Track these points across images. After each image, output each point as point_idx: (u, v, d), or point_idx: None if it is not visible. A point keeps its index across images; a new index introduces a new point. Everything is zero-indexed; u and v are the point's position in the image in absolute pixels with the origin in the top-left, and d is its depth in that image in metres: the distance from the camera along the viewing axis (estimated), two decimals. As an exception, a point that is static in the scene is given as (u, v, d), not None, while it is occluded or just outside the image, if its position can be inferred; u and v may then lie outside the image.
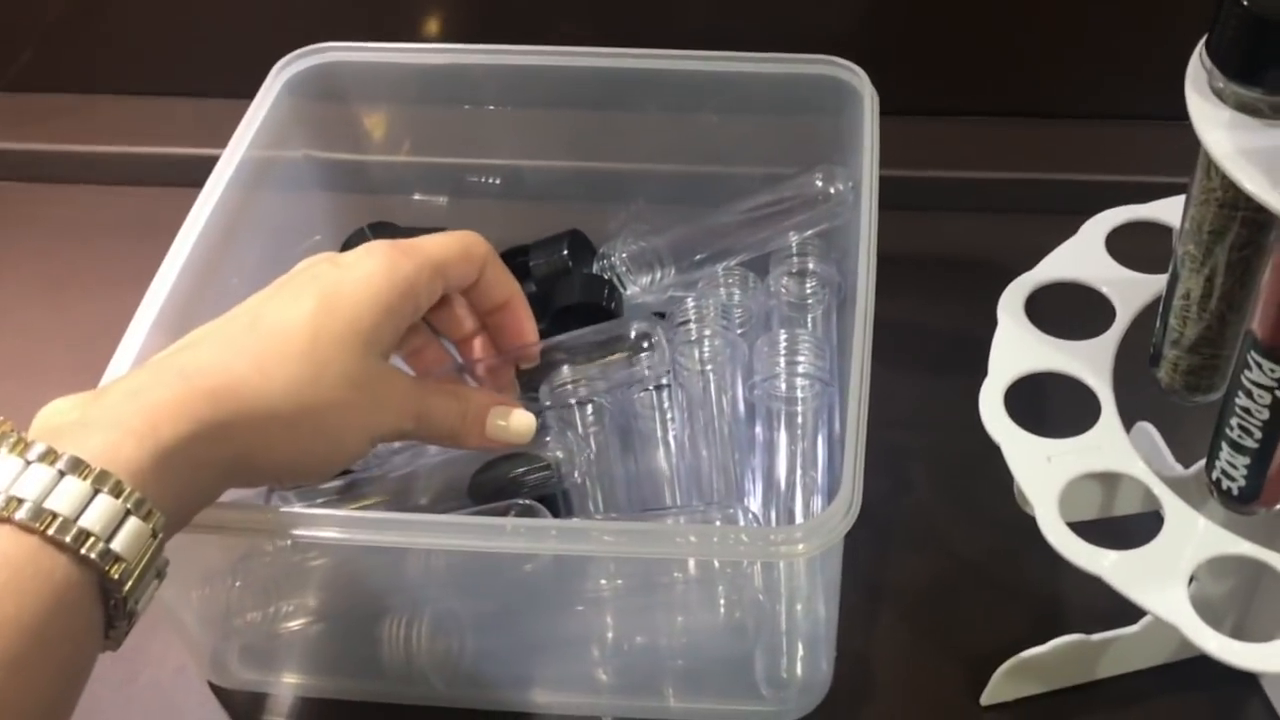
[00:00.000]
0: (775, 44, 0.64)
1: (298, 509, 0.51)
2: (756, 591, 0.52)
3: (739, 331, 0.64)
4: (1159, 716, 0.54)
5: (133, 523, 0.38)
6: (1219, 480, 0.44)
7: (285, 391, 0.43)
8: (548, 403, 0.59)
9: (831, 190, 0.62)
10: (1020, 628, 0.55)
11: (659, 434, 0.60)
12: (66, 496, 0.37)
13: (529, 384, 0.61)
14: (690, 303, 0.62)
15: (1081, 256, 0.52)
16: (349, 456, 0.46)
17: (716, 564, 0.52)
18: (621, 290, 0.67)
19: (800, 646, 0.54)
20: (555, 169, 0.72)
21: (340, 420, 0.45)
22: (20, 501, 0.36)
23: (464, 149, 0.72)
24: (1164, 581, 0.41)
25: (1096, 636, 0.51)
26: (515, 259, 0.69)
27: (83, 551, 0.36)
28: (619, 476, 0.59)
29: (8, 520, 0.36)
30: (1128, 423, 0.46)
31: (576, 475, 0.58)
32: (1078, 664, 0.53)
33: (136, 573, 0.38)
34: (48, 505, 0.36)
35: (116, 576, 0.37)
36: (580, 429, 0.59)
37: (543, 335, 0.66)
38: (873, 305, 0.52)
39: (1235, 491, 0.43)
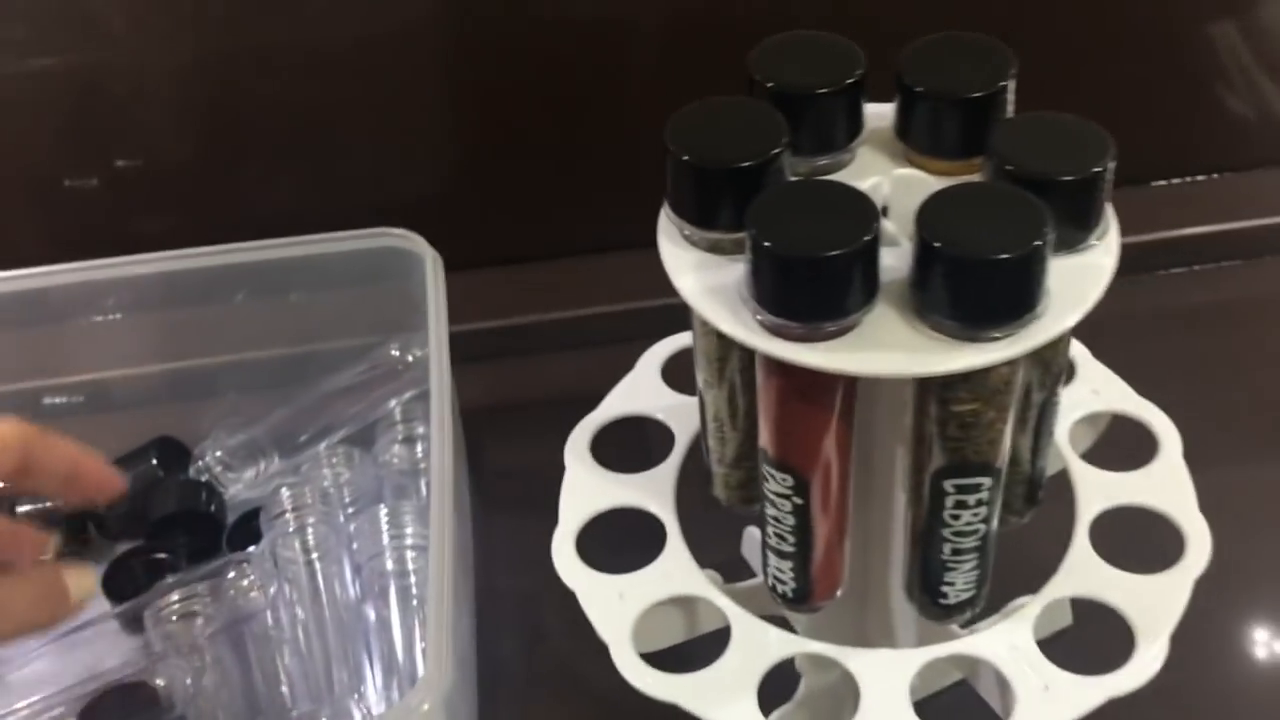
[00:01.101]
0: (355, 221, 0.64)
1: None
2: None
3: (350, 510, 0.63)
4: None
5: None
6: (773, 585, 0.45)
7: None
8: (155, 635, 0.57)
9: (409, 357, 0.63)
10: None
11: (273, 635, 0.58)
12: None
13: (133, 616, 0.59)
14: (285, 491, 0.61)
15: (639, 389, 0.53)
16: None
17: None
18: (222, 490, 0.65)
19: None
20: (142, 375, 0.69)
21: None
22: None
23: (40, 370, 0.69)
24: (735, 695, 0.42)
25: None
26: (105, 478, 0.66)
27: None
28: (238, 687, 0.57)
29: None
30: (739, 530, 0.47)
31: (184, 703, 0.55)
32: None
33: None
34: None
35: None
36: (190, 646, 0.57)
37: (142, 551, 0.64)
38: (449, 468, 0.52)
39: (789, 594, 0.45)
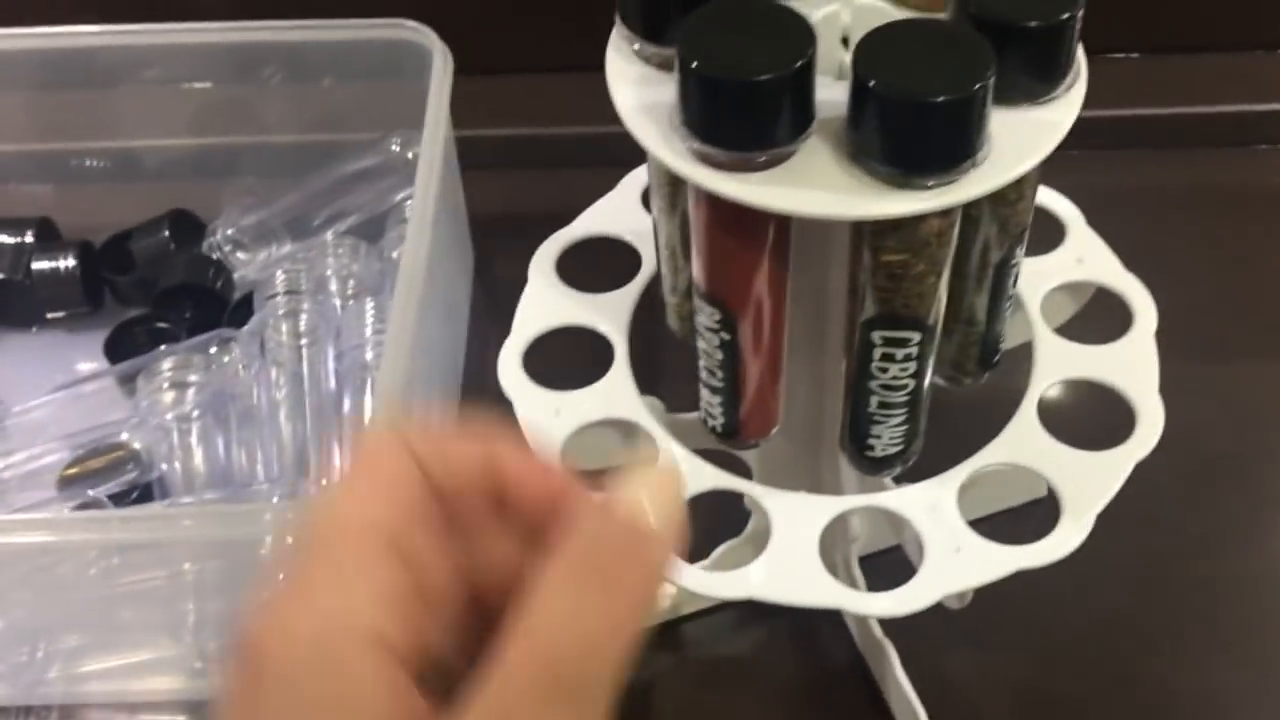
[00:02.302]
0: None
1: None
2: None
3: (350, 300, 0.64)
4: (740, 648, 0.56)
5: None
6: (705, 419, 0.45)
7: None
8: (143, 401, 0.59)
9: (409, 155, 0.62)
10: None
11: (254, 413, 0.60)
12: None
13: (127, 379, 0.61)
14: (280, 274, 0.62)
15: (617, 210, 0.52)
16: None
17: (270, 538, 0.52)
18: (230, 268, 0.66)
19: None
20: (167, 148, 0.70)
21: None
22: None
23: (70, 132, 0.70)
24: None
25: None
26: (118, 245, 0.68)
27: None
28: (215, 458, 0.59)
29: None
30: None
31: (164, 465, 0.58)
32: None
33: None
34: None
35: None
36: (173, 415, 0.59)
37: (146, 319, 0.66)
38: (421, 275, 0.53)
39: (719, 429, 0.45)
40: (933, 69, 0.35)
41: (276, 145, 0.69)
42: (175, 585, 0.54)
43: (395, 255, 0.64)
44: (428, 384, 0.59)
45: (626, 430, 0.47)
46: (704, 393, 0.44)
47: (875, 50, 0.35)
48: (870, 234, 0.38)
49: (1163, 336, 0.46)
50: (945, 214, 0.37)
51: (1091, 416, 0.45)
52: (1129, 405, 0.45)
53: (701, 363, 0.43)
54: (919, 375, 0.41)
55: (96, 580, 0.54)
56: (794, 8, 0.37)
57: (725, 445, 0.46)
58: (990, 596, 0.53)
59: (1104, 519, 0.42)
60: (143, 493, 0.57)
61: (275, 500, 0.53)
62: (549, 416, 0.46)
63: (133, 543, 0.50)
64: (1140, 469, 0.43)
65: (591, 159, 0.71)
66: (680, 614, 0.56)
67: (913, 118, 0.35)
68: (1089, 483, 0.43)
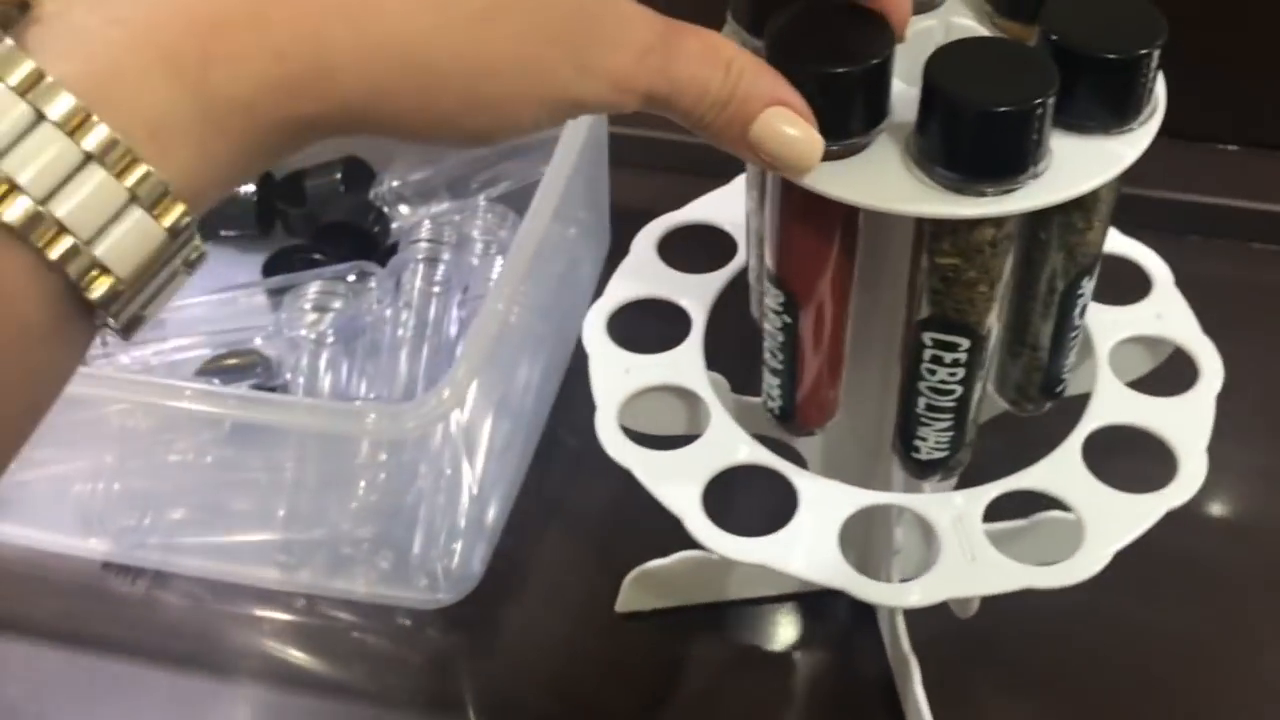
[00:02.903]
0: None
1: None
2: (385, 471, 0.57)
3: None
4: (777, 641, 0.58)
5: (135, 220, 0.25)
6: (765, 401, 0.47)
7: (431, 28, 0.28)
8: (284, 314, 0.64)
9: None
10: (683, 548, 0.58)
11: (379, 345, 0.64)
12: (35, 159, 0.24)
13: (276, 294, 0.67)
14: (428, 223, 0.66)
15: (724, 201, 0.55)
16: (515, 131, 0.30)
17: (365, 446, 0.57)
18: (390, 219, 0.72)
19: (455, 540, 0.58)
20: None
21: (512, 88, 0.29)
22: None
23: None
24: (684, 482, 0.45)
25: (717, 555, 0.55)
26: (294, 180, 0.74)
27: (50, 254, 0.24)
28: (336, 381, 0.64)
29: None
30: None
31: (288, 374, 0.63)
32: (704, 580, 0.57)
33: (130, 295, 0.25)
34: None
35: (96, 297, 0.25)
36: (309, 332, 0.64)
37: (304, 249, 0.72)
38: (536, 237, 0.57)
39: (778, 412, 0.47)
40: (999, 82, 0.37)
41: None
42: (274, 480, 0.59)
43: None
44: (538, 338, 0.63)
45: (689, 400, 0.49)
46: (766, 374, 0.47)
47: (948, 60, 0.37)
48: (929, 235, 0.40)
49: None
50: (999, 224, 0.39)
51: (1141, 467, 0.46)
52: (1173, 456, 0.45)
53: (766, 344, 0.46)
54: (966, 383, 0.43)
55: (209, 465, 0.60)
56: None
57: (782, 430, 0.48)
58: (1031, 639, 0.55)
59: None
60: (266, 396, 0.62)
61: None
62: (619, 373, 0.49)
63: (245, 420, 0.54)
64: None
65: (736, 168, 0.75)
66: (728, 598, 0.58)
67: (972, 124, 0.37)
68: (1116, 521, 0.44)
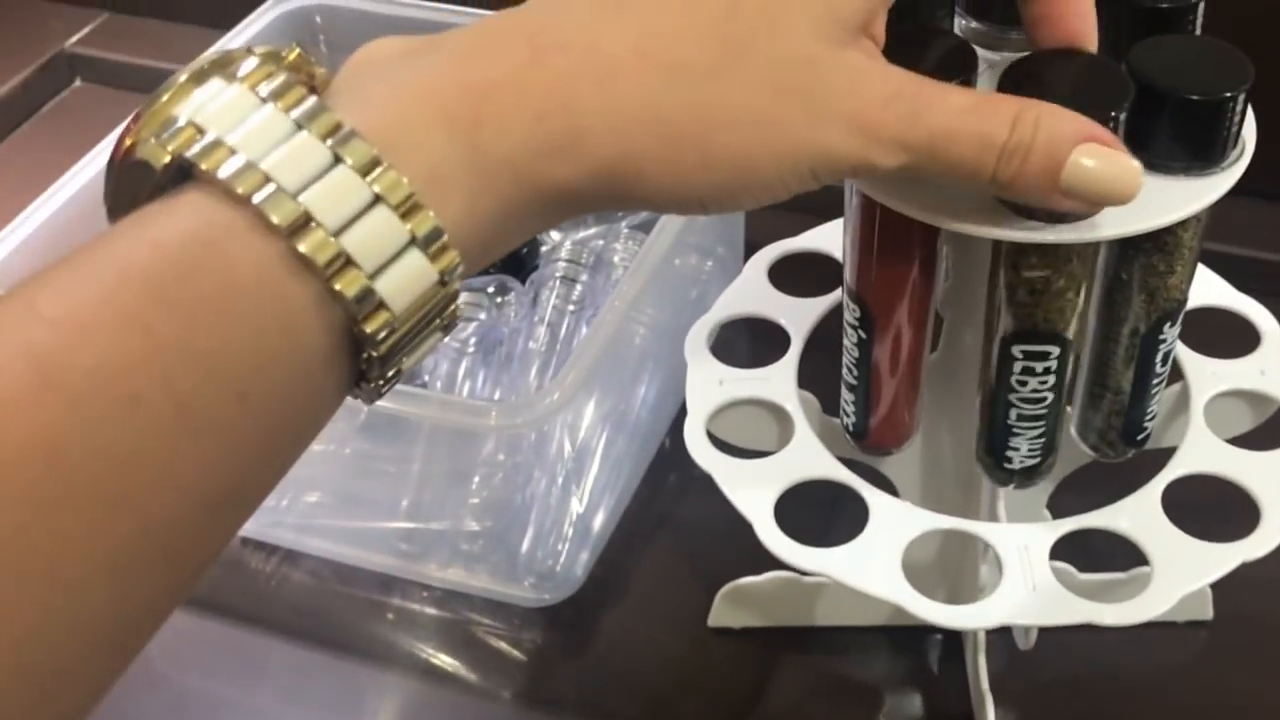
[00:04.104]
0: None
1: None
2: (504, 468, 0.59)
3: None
4: (863, 672, 0.58)
5: (414, 259, 0.27)
6: (841, 417, 0.49)
7: (664, 85, 0.29)
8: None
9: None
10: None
11: (513, 357, 0.68)
12: (332, 196, 0.26)
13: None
14: (568, 244, 0.70)
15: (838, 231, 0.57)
16: (760, 187, 0.31)
17: (489, 444, 0.60)
18: (542, 240, 0.75)
19: (561, 543, 0.61)
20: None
21: (747, 138, 0.30)
22: (264, 177, 0.26)
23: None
24: (757, 489, 0.47)
25: (808, 579, 0.56)
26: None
27: (336, 284, 0.26)
28: (473, 390, 0.68)
29: (232, 194, 0.26)
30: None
31: (426, 376, 0.67)
32: (793, 603, 0.58)
33: (397, 340, 0.27)
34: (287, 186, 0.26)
35: (370, 330, 0.27)
36: (451, 339, 0.68)
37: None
38: (654, 262, 0.59)
39: (850, 428, 0.48)
40: (1076, 98, 0.37)
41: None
42: (402, 471, 0.63)
43: (677, 262, 0.71)
44: (658, 359, 0.65)
45: (778, 416, 0.51)
46: (843, 390, 0.48)
47: (1024, 75, 0.38)
48: (1013, 251, 0.41)
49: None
50: (1082, 238, 0.40)
51: (1230, 525, 0.46)
52: (1257, 508, 0.45)
53: (844, 358, 0.47)
54: (1057, 388, 0.43)
55: (347, 455, 0.64)
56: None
57: (858, 448, 0.49)
58: (1125, 697, 0.54)
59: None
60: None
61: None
62: (713, 384, 0.51)
63: (380, 410, 0.57)
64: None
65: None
66: (816, 623, 0.59)
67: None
68: (1188, 567, 0.43)
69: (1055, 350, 0.42)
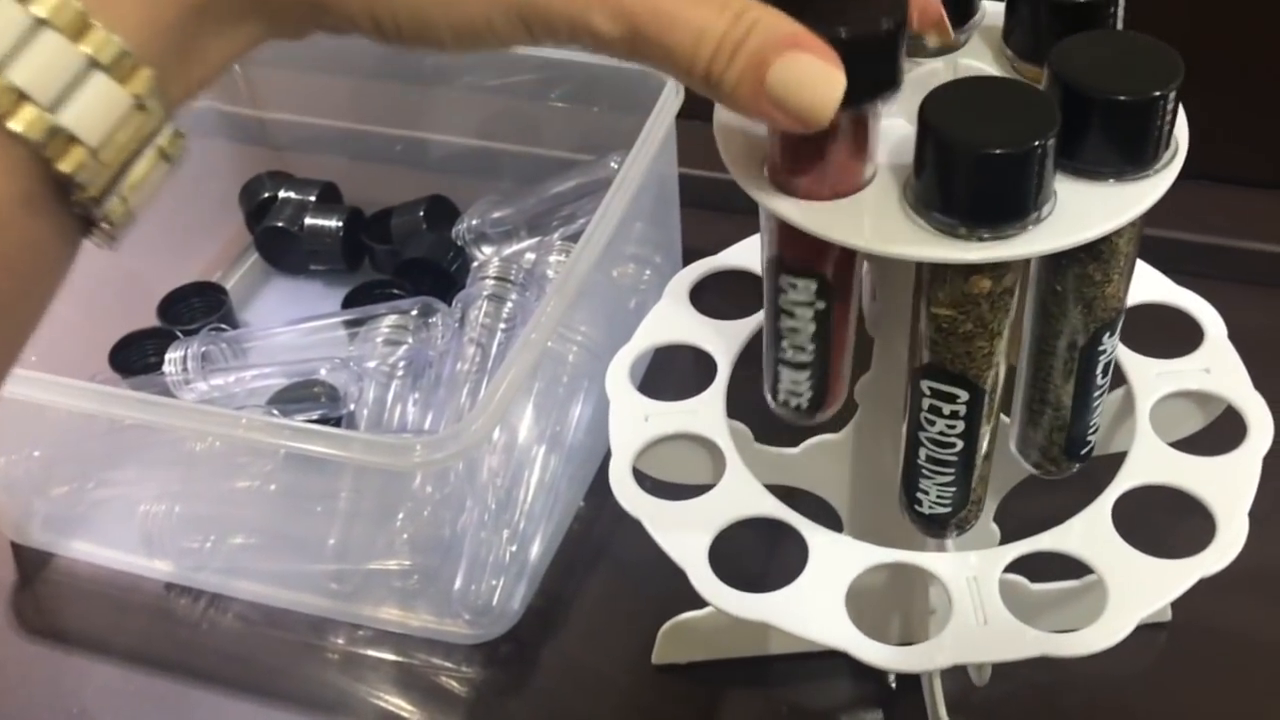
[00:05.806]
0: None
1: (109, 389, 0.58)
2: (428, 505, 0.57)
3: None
4: (820, 700, 0.56)
5: (99, 84, 0.24)
6: (786, 401, 0.45)
7: None
8: (356, 347, 0.66)
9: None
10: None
11: (442, 380, 0.65)
12: None
13: (353, 325, 0.68)
14: (496, 261, 0.67)
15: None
16: (466, 27, 0.29)
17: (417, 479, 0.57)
18: (470, 255, 0.72)
19: (497, 576, 0.58)
20: (450, 144, 0.78)
21: None
22: None
23: (380, 118, 0.78)
24: (695, 531, 0.44)
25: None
26: (383, 218, 0.75)
27: (9, 123, 0.24)
28: (403, 413, 0.65)
29: None
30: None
31: (351, 405, 0.64)
32: (744, 634, 0.56)
33: (105, 173, 0.25)
34: None
35: (67, 169, 0.24)
36: (377, 364, 0.65)
37: (386, 284, 0.73)
38: (580, 273, 0.57)
39: (804, 405, 0.45)
40: (995, 123, 0.35)
41: (540, 157, 0.75)
42: (329, 509, 0.60)
43: (615, 273, 0.69)
44: (593, 377, 0.63)
45: (709, 449, 0.48)
46: (784, 373, 0.44)
47: (945, 100, 0.36)
48: (926, 283, 0.38)
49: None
50: (997, 275, 0.37)
51: (1185, 532, 0.43)
52: (1212, 520, 0.42)
53: (784, 343, 0.43)
54: (967, 437, 0.41)
55: (272, 493, 0.61)
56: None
57: (804, 423, 0.45)
58: (1087, 709, 0.52)
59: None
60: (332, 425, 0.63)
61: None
62: (638, 420, 0.48)
63: (300, 450, 0.55)
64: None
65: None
66: (770, 652, 0.56)
67: (963, 166, 0.35)
68: (1145, 587, 0.41)
69: (964, 395, 0.40)
